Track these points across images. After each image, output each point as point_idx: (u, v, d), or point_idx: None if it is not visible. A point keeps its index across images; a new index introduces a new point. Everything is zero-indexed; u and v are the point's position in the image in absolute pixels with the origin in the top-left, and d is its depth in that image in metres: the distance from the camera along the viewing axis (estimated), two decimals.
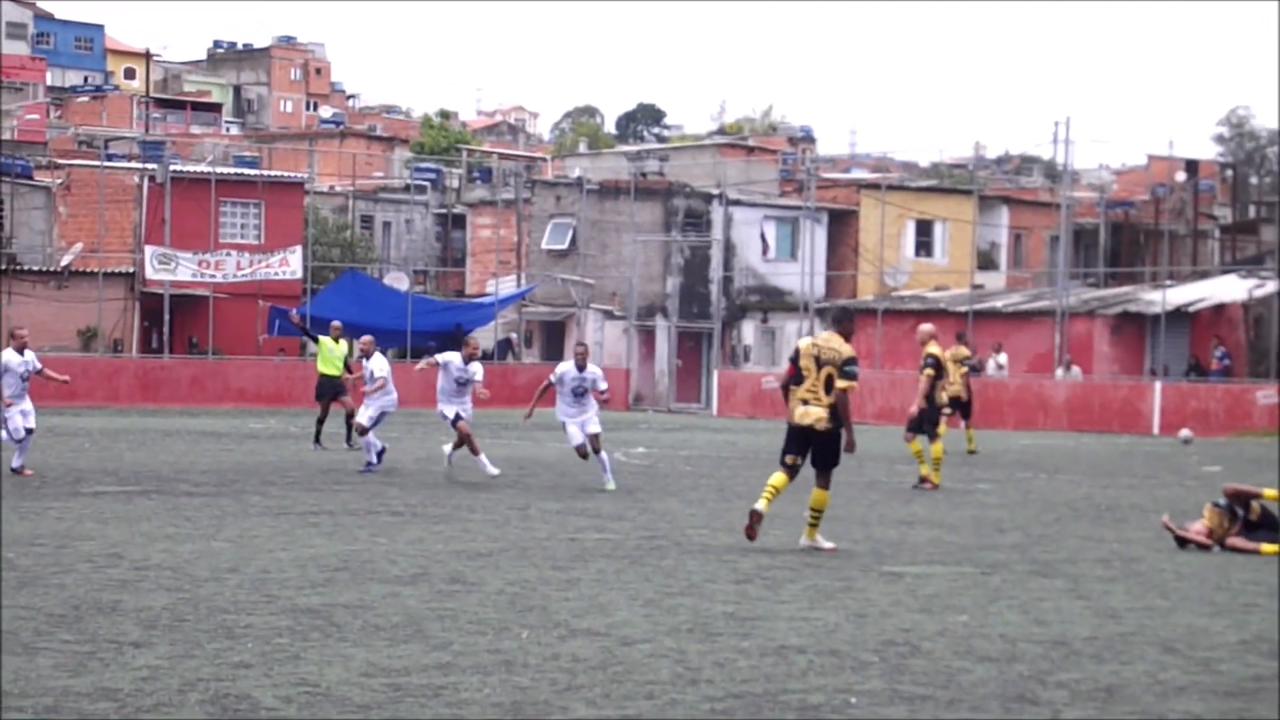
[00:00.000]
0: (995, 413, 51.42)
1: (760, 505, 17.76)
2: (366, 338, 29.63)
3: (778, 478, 18.07)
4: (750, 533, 17.75)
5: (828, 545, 18.04)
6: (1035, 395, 52.28)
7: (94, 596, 13.59)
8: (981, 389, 52.27)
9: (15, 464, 26.12)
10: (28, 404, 26.69)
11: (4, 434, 26.57)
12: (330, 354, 34.92)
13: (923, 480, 26.83)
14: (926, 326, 28.67)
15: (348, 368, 35.18)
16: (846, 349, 18.02)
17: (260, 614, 12.88)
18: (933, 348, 27.75)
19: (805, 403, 18.11)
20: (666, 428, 48.32)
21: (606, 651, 11.58)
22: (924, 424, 27.50)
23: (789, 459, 18.17)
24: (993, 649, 12.02)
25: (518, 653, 11.45)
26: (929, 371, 27.60)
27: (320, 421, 34.76)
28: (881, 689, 10.50)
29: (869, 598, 14.43)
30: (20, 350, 26.88)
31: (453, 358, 27.65)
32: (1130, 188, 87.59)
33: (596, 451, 25.33)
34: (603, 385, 25.90)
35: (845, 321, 18.62)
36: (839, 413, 17.93)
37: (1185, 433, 41.67)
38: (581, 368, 25.70)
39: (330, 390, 34.83)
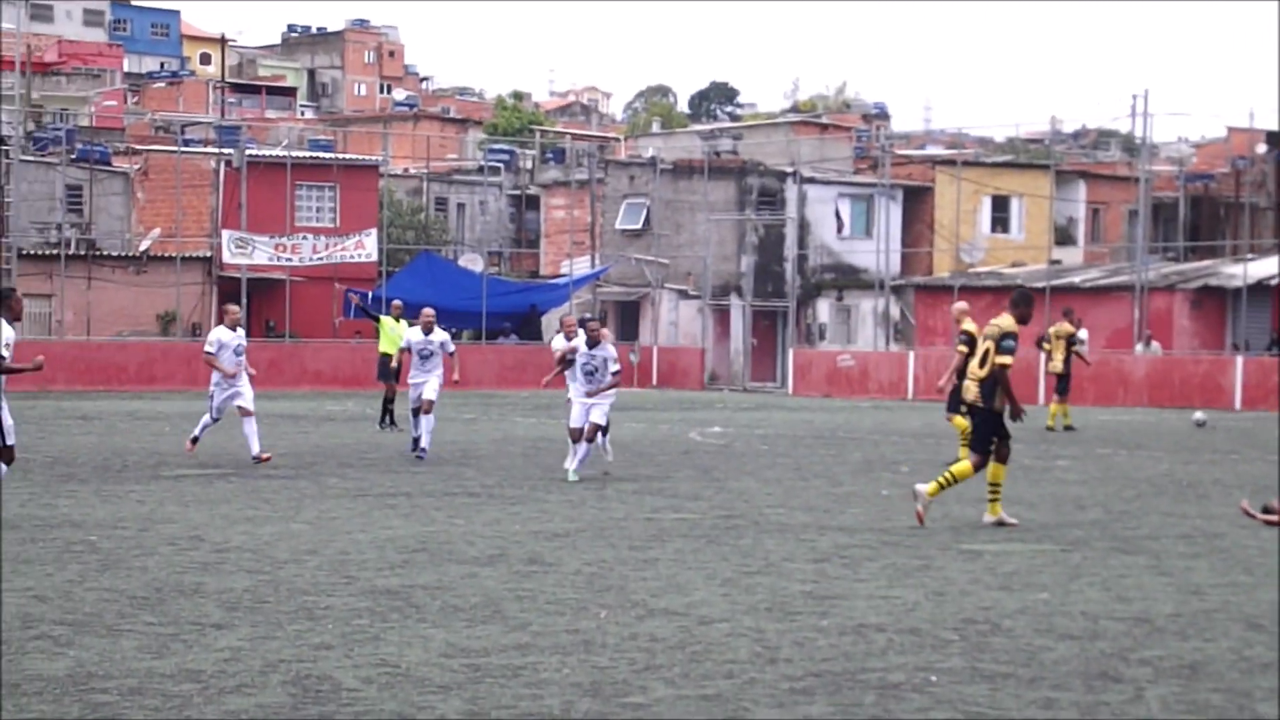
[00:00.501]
0: (1074, 389, 50.80)
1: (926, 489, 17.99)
2: (427, 310, 28.08)
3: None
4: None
5: (1011, 520, 18.17)
6: (1115, 371, 51.95)
7: (176, 579, 13.67)
8: None
9: (254, 451, 25.20)
10: (242, 384, 25.71)
11: (206, 417, 26.07)
12: (391, 333, 34.57)
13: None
14: (961, 304, 28.61)
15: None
16: (1007, 323, 18.15)
17: (340, 595, 12.93)
18: (968, 324, 27.63)
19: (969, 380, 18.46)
20: (742, 407, 48.28)
21: (685, 631, 11.57)
22: (960, 401, 27.29)
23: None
24: (1074, 626, 11.95)
25: (596, 633, 11.46)
26: (962, 348, 27.48)
27: (387, 401, 34.52)
28: (962, 667, 10.45)
29: (948, 576, 14.36)
30: (233, 327, 26.14)
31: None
32: (1210, 160, 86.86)
33: (589, 440, 23.78)
34: (615, 366, 24.06)
35: (1022, 306, 18.68)
36: (994, 387, 17.95)
37: (1199, 415, 41.18)
38: (593, 345, 24.04)
39: (394, 371, 34.35)
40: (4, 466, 16.92)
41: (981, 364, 18.27)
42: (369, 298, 60.24)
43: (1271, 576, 14.62)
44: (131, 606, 12.32)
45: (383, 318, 35.60)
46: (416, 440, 27.06)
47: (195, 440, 26.28)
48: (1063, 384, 37.48)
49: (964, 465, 18.36)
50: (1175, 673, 10.40)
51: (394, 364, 33.43)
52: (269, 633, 11.32)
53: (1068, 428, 36.47)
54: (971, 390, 18.46)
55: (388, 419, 34.23)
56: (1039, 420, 36.82)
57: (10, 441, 17.04)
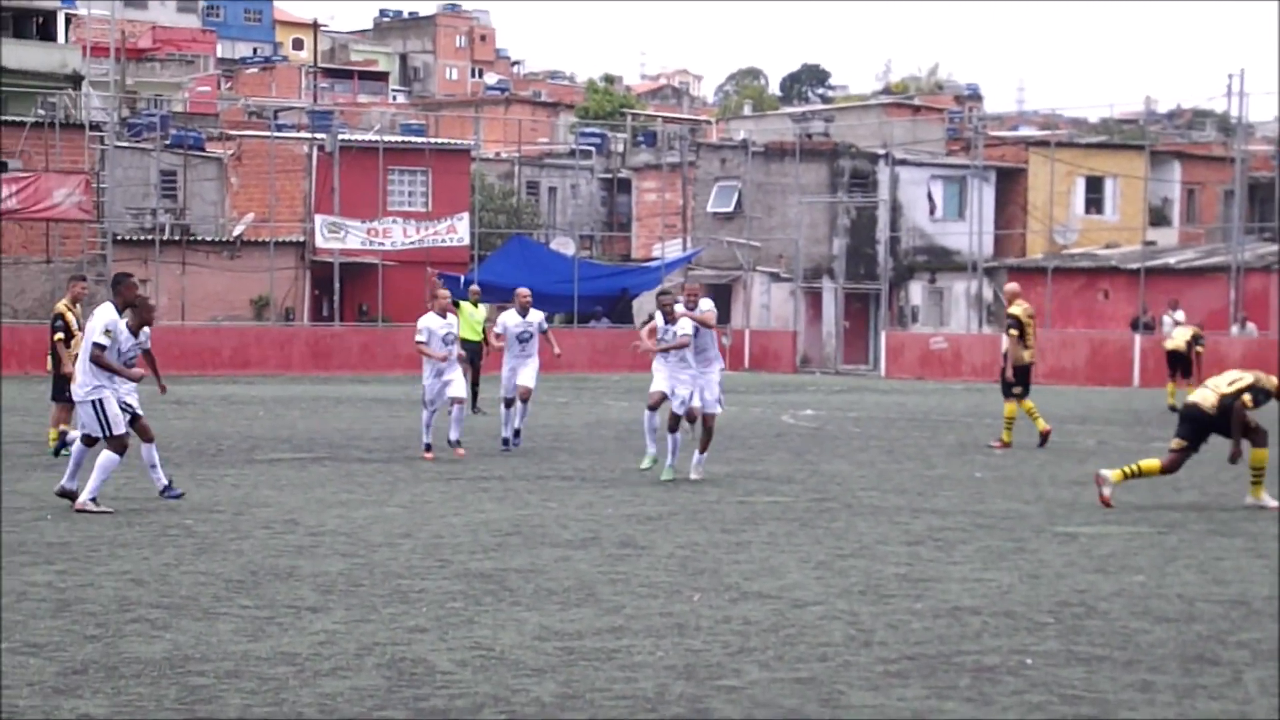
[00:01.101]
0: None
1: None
2: (522, 290, 26.49)
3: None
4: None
5: (1271, 503, 18.19)
6: (1211, 352, 51.24)
7: (271, 562, 13.76)
8: (1155, 346, 51.63)
9: (452, 436, 24.09)
10: (453, 372, 24.08)
11: (424, 413, 24.21)
12: (470, 318, 33.88)
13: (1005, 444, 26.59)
14: (1012, 285, 28.56)
15: (485, 333, 34.16)
16: (1270, 383, 18.50)
17: (434, 579, 12.99)
18: (1015, 307, 27.53)
19: None
20: (834, 389, 48.17)
21: (778, 614, 11.56)
22: (1011, 385, 27.19)
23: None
24: (1171, 609, 11.87)
25: (689, 616, 11.46)
26: (1013, 332, 27.36)
27: (474, 385, 34.19)
28: (1058, 650, 10.40)
29: (1043, 559, 14.29)
30: (442, 314, 24.34)
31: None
32: None
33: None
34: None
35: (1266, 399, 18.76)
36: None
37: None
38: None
39: (471, 356, 33.71)
40: (116, 455, 17.08)
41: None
42: (459, 282, 60.52)
43: None
44: (227, 590, 12.42)
45: (462, 304, 35.26)
46: (507, 440, 25.39)
47: (428, 446, 24.06)
48: (1186, 366, 37.37)
49: (1152, 462, 18.48)
50: (1272, 655, 10.31)
51: (483, 349, 33.04)
52: (364, 616, 11.38)
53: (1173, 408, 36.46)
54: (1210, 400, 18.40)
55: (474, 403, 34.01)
56: (1132, 403, 36.56)
57: (118, 431, 17.12)
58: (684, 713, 8.82)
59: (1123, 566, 13.87)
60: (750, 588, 12.69)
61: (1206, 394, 18.46)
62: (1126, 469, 18.24)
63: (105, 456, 16.98)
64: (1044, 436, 26.76)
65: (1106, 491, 18.11)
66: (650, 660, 10.02)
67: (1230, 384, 18.39)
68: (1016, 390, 27.07)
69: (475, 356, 33.57)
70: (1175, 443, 18.39)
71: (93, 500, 16.93)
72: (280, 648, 10.30)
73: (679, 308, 21.05)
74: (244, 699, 9.01)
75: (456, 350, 24.27)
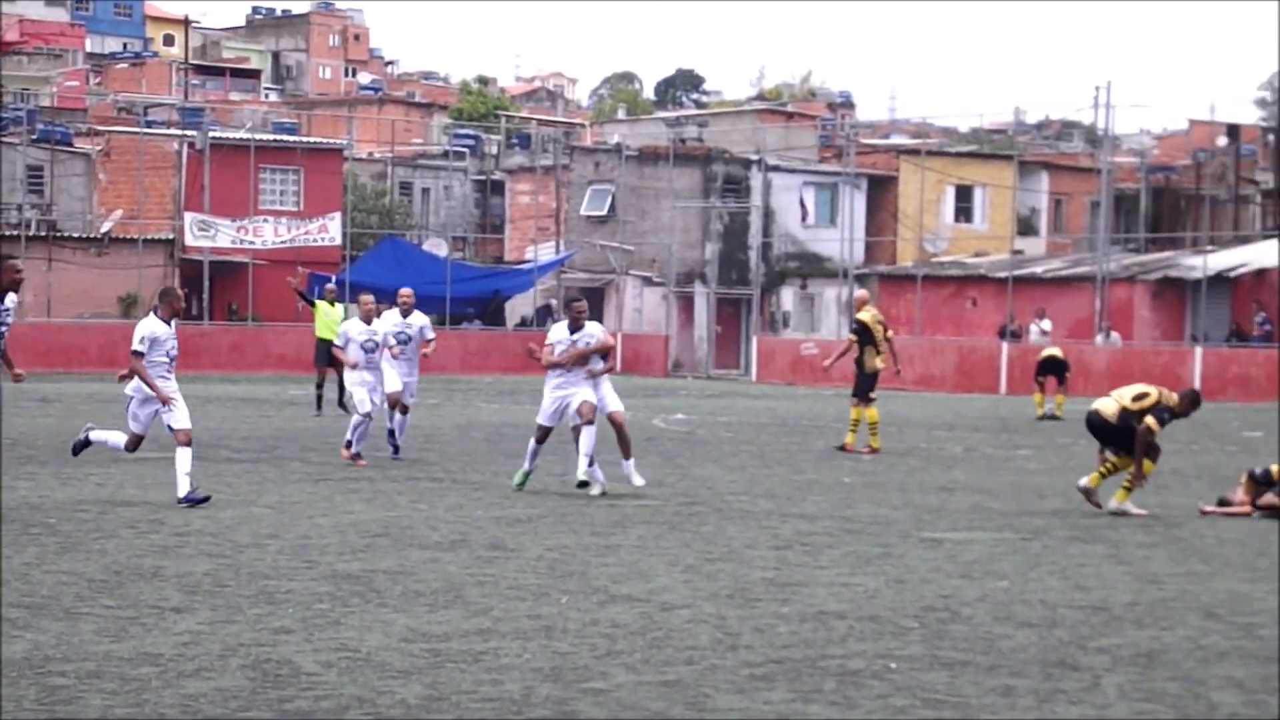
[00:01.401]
0: (1027, 377, 51.24)
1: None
2: (405, 291, 25.32)
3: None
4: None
5: (1137, 511, 18.53)
6: (1075, 361, 51.82)
7: (135, 562, 13.64)
8: (1022, 354, 52.20)
9: (348, 438, 23.50)
10: (375, 378, 23.85)
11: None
12: (326, 318, 33.91)
13: (843, 447, 26.89)
14: (861, 292, 29.00)
15: None
16: (1171, 400, 18.72)
17: (300, 580, 12.93)
18: (862, 314, 27.90)
19: None
20: (705, 394, 48.32)
21: (646, 617, 11.59)
22: (865, 389, 27.56)
23: None
24: (1033, 614, 12.00)
25: (557, 618, 11.47)
26: (853, 337, 27.77)
27: (318, 386, 34.24)
28: (922, 654, 10.49)
29: (909, 564, 14.41)
30: (366, 319, 24.05)
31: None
32: (1171, 152, 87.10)
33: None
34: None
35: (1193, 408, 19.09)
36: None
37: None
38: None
39: (327, 355, 33.23)
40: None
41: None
42: (330, 282, 60.16)
43: (1227, 566, 14.70)
44: (90, 590, 12.30)
45: (318, 303, 34.80)
46: (395, 438, 24.36)
47: (358, 455, 23.39)
48: (1058, 373, 38.28)
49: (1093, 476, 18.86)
50: (1132, 661, 10.46)
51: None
52: (229, 617, 11.31)
53: (1056, 417, 37.11)
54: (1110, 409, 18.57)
55: (320, 402, 34.14)
56: (999, 410, 36.94)
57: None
58: (550, 715, 8.82)
59: (987, 572, 14.01)
60: (618, 591, 12.72)
61: (1109, 403, 18.66)
62: (1103, 469, 18.76)
63: None
64: (847, 449, 26.95)
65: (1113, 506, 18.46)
66: (517, 663, 10.02)
67: (1135, 399, 18.58)
68: (872, 396, 27.41)
69: (329, 357, 33.20)
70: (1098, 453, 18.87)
71: None
72: (143, 648, 10.21)
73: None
74: (105, 700, 8.93)
75: (382, 356, 23.92)
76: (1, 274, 16.88)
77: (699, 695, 9.30)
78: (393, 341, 23.98)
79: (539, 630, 11.03)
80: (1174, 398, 18.65)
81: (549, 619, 11.45)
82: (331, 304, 34.36)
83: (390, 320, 24.40)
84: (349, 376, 23.97)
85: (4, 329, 17.01)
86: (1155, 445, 18.53)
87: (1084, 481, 18.72)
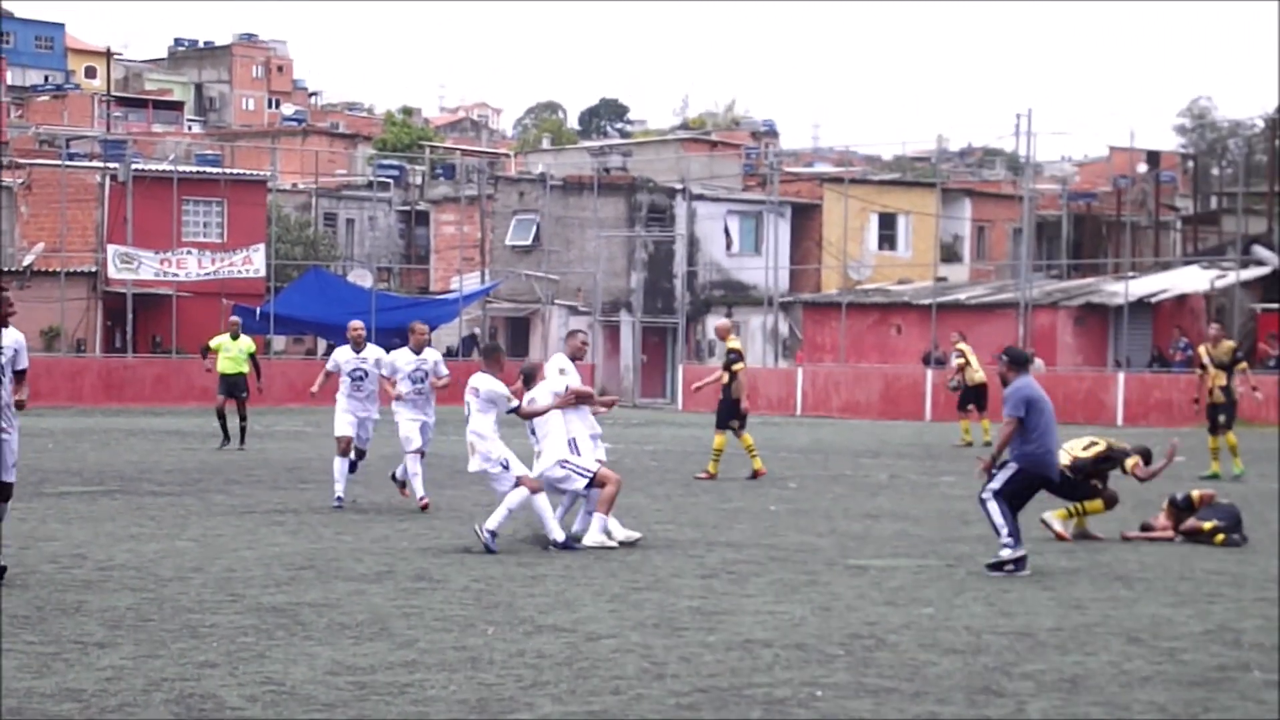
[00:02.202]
0: (955, 405, 51.44)
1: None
2: (356, 324, 23.58)
3: None
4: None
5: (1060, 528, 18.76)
6: (999, 387, 52.30)
7: (58, 597, 13.54)
8: (945, 381, 52.42)
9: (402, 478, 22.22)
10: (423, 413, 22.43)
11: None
12: (226, 352, 33.84)
13: (708, 475, 27.08)
14: (724, 321, 29.13)
15: (255, 364, 34.22)
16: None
17: (225, 613, 12.86)
18: (733, 342, 28.10)
19: None
20: (631, 423, 48.31)
21: (572, 647, 11.58)
22: (727, 417, 27.78)
23: None
24: (958, 641, 12.05)
25: (483, 649, 11.45)
26: (737, 366, 27.90)
27: (220, 417, 33.62)
28: (847, 682, 10.52)
29: (834, 591, 14.45)
30: (418, 349, 22.29)
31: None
32: (1092, 179, 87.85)
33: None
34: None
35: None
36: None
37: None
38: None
39: (226, 388, 33.69)
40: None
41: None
42: (254, 314, 59.93)
43: (1149, 591, 14.80)
44: (12, 625, 12.20)
45: (221, 339, 34.44)
46: (341, 499, 22.15)
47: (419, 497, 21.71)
48: (980, 399, 38.17)
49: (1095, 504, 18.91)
50: (1056, 686, 10.51)
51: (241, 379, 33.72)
52: (152, 651, 11.24)
53: (986, 444, 36.78)
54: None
55: (226, 432, 33.51)
56: (924, 437, 37.03)
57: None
58: None
59: (912, 599, 14.06)
60: (544, 621, 12.70)
61: (1061, 455, 18.74)
62: (1070, 509, 18.82)
63: None
64: (756, 474, 27.13)
65: (1062, 529, 18.65)
66: (443, 695, 10.00)
67: (1085, 449, 18.79)
68: (734, 424, 27.60)
69: (236, 389, 33.55)
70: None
71: None
72: (66, 684, 10.14)
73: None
74: None
75: (430, 386, 22.30)
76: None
77: None
78: (407, 386, 22.14)
79: (465, 661, 11.01)
80: (1124, 446, 18.96)
81: (475, 650, 11.42)
82: (234, 337, 34.16)
83: (404, 358, 22.20)
84: (400, 413, 22.26)
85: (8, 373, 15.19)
86: (1112, 492, 18.80)
87: (1049, 515, 18.79)
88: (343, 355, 23.07)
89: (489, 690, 10.13)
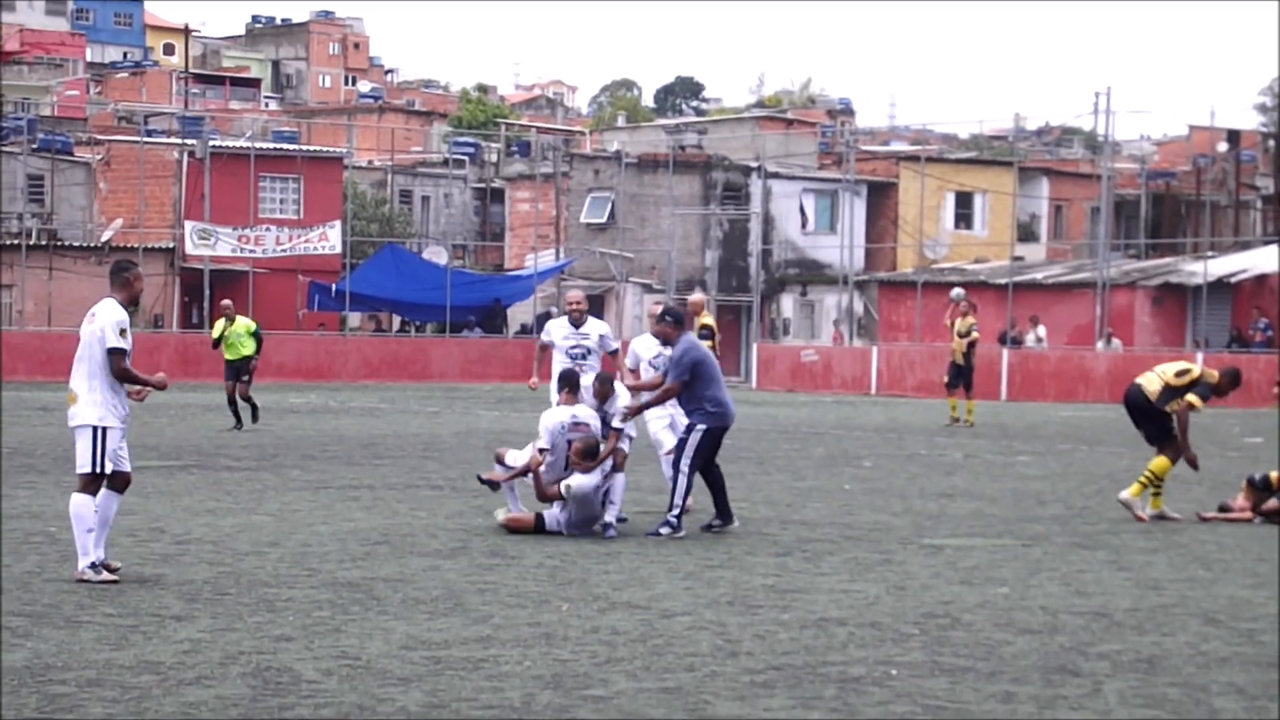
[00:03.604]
0: (1035, 385, 51.30)
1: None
2: (573, 295, 19.63)
3: None
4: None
5: (1148, 514, 18.48)
6: (1076, 367, 52.11)
7: (136, 570, 13.63)
8: (1021, 361, 52.19)
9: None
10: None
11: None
12: (235, 338, 32.24)
13: None
14: (697, 296, 28.83)
15: (258, 341, 32.75)
16: (1211, 377, 18.67)
17: (301, 587, 12.92)
18: (707, 318, 27.89)
19: None
20: None
21: (647, 624, 11.58)
22: None
23: None
24: (1034, 621, 11.99)
25: (558, 625, 11.47)
26: (708, 344, 27.60)
27: (231, 403, 31.88)
28: (922, 661, 10.48)
29: (909, 570, 14.40)
30: (576, 323, 19.05)
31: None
32: (1171, 158, 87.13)
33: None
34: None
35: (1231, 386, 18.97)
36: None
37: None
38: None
39: (231, 373, 32.17)
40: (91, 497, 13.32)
41: None
42: (330, 291, 60.17)
43: (1227, 572, 14.69)
44: (90, 598, 12.29)
45: (218, 326, 32.86)
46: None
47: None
48: (967, 378, 36.92)
49: (1162, 461, 18.61)
50: (1133, 667, 10.45)
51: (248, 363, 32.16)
52: (229, 624, 11.30)
53: (969, 425, 36.26)
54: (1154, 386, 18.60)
55: (238, 417, 31.67)
56: (1000, 416, 36.86)
57: (110, 468, 13.38)
58: None
59: (987, 578, 14.00)
60: (618, 598, 12.70)
61: (1153, 379, 18.64)
62: (1142, 479, 18.53)
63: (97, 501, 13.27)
64: None
65: (1140, 512, 18.34)
66: (517, 670, 10.01)
67: (1178, 375, 18.58)
68: None
69: (239, 373, 31.90)
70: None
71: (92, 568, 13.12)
72: (143, 656, 10.20)
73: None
74: (106, 708, 8.92)
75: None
76: (131, 282, 14.77)
77: (699, 702, 9.29)
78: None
79: (539, 638, 11.02)
80: (1214, 375, 18.64)
81: (549, 626, 11.44)
82: (230, 320, 32.44)
83: (559, 332, 19.12)
84: (650, 413, 18.35)
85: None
86: (1187, 449, 18.53)
87: (1125, 494, 18.62)
88: (558, 329, 19.15)
89: (563, 666, 10.14)
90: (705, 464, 16.78)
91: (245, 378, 31.99)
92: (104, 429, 13.16)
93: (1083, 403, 49.29)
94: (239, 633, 11.01)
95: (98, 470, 13.13)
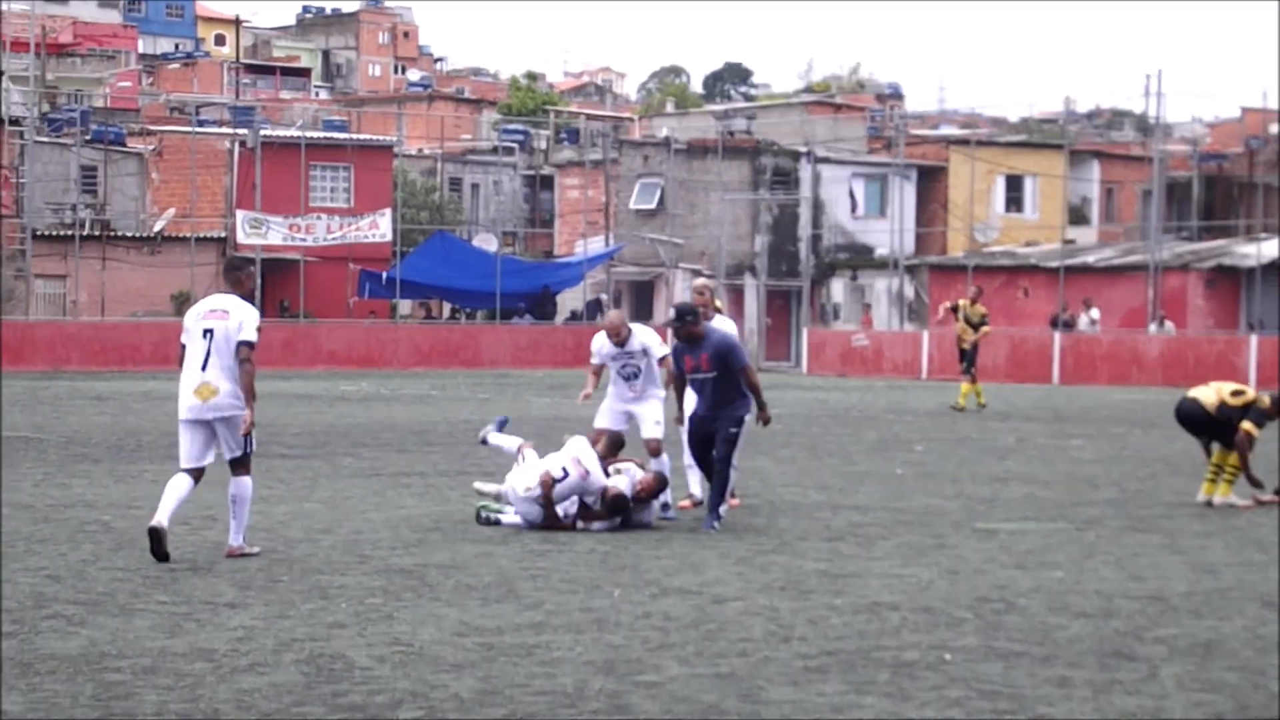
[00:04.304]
0: (1088, 368, 51.09)
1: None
2: (615, 314, 17.86)
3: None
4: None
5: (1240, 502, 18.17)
6: (1129, 350, 51.87)
7: (189, 558, 13.68)
8: (1073, 345, 51.99)
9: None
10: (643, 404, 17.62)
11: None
12: None
13: None
14: (699, 280, 28.76)
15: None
16: (1265, 402, 18.23)
17: (354, 574, 12.94)
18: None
19: None
20: None
21: (699, 609, 11.57)
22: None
23: None
24: (1088, 605, 11.94)
25: (609, 611, 11.46)
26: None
27: None
28: (976, 645, 10.45)
29: (962, 554, 14.35)
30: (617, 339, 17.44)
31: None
32: (1224, 140, 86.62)
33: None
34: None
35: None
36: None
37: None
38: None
39: None
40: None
41: None
42: (380, 279, 60.27)
43: None
44: (145, 586, 12.34)
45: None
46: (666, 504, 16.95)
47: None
48: (972, 360, 36.40)
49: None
50: (1189, 651, 10.39)
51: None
52: (282, 612, 11.33)
53: (981, 406, 35.96)
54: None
55: None
56: (1052, 400, 36.71)
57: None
58: (603, 708, 8.81)
59: (1041, 563, 13.94)
60: (671, 583, 12.69)
61: (1208, 393, 18.34)
62: (1211, 477, 18.33)
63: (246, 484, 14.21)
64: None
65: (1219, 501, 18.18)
66: (570, 656, 10.01)
67: (1233, 395, 18.23)
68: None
69: None
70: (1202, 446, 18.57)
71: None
72: (198, 644, 10.24)
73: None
74: (160, 695, 8.95)
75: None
76: (243, 281, 14.92)
77: (753, 688, 9.28)
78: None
79: (592, 623, 11.02)
80: (1265, 400, 18.26)
81: (601, 612, 11.43)
82: None
83: (607, 351, 17.62)
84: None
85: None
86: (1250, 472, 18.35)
87: (1202, 496, 18.38)
88: (605, 347, 17.63)
89: (615, 651, 10.13)
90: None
91: None
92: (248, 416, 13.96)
93: (1135, 386, 49.07)
94: (292, 620, 11.03)
95: (249, 450, 14.13)
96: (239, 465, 14.08)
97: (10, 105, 62.76)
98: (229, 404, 13.89)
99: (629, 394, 17.51)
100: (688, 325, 16.49)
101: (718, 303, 23.91)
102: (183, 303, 59.42)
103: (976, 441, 27.28)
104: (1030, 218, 70.13)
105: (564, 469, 15.62)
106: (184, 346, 14.02)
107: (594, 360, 17.61)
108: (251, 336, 14.01)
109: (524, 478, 15.78)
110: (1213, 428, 18.16)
